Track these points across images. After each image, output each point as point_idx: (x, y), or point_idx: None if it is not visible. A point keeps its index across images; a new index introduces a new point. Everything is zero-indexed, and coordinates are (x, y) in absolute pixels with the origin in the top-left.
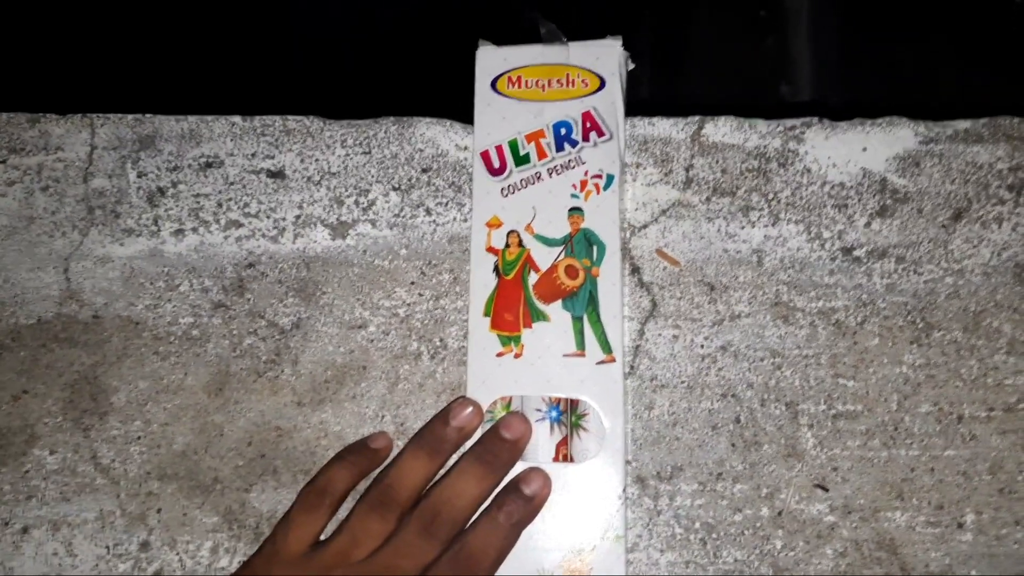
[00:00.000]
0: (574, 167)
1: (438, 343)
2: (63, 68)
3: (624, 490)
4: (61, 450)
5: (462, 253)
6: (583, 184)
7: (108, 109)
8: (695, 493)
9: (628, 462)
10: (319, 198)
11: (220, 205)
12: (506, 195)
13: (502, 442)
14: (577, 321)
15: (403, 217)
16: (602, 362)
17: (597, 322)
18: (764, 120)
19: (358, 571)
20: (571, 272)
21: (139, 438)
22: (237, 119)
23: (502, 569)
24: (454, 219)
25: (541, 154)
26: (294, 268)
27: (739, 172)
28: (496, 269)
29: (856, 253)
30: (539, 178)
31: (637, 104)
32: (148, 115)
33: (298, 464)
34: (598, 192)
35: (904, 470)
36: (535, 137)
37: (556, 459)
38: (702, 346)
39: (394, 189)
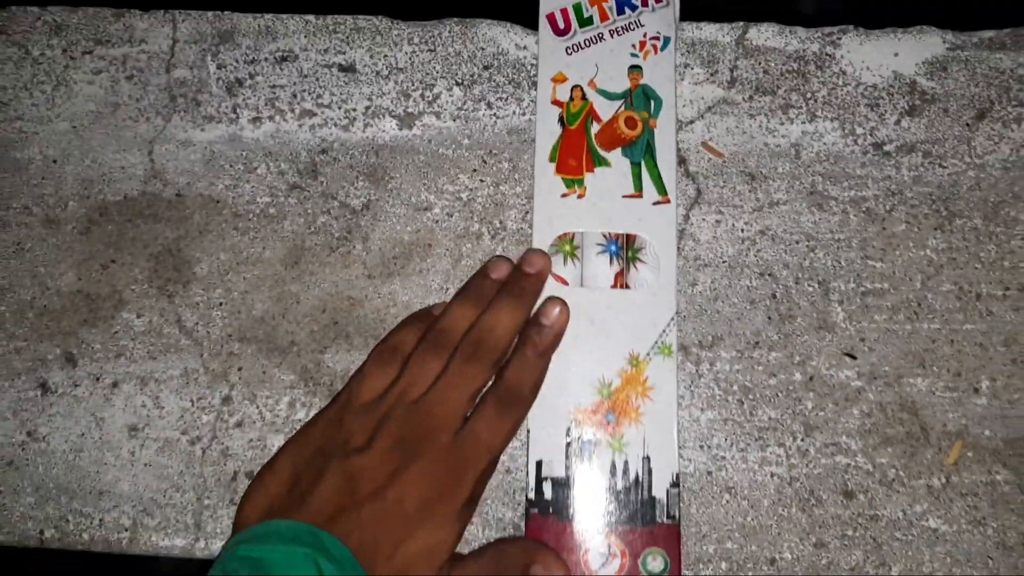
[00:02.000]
0: (634, 29)
1: (498, 224)
2: None
3: (676, 313)
4: (147, 314)
5: (521, 144)
6: (642, 44)
7: (189, 6)
8: (733, 359)
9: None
10: (387, 91)
11: (295, 96)
12: (570, 53)
13: (526, 276)
14: (635, 166)
15: (466, 110)
16: (658, 202)
17: (654, 167)
18: (804, 27)
19: (417, 406)
20: (630, 123)
21: (220, 304)
22: (311, 17)
23: (570, 377)
24: (513, 113)
25: (603, 16)
26: (364, 155)
27: (780, 73)
28: (561, 120)
29: (886, 148)
30: (601, 38)
31: (684, 9)
32: (227, 12)
33: (368, 330)
34: (656, 52)
35: (926, 341)
36: (597, 2)
37: (615, 286)
38: (742, 230)
39: (457, 84)
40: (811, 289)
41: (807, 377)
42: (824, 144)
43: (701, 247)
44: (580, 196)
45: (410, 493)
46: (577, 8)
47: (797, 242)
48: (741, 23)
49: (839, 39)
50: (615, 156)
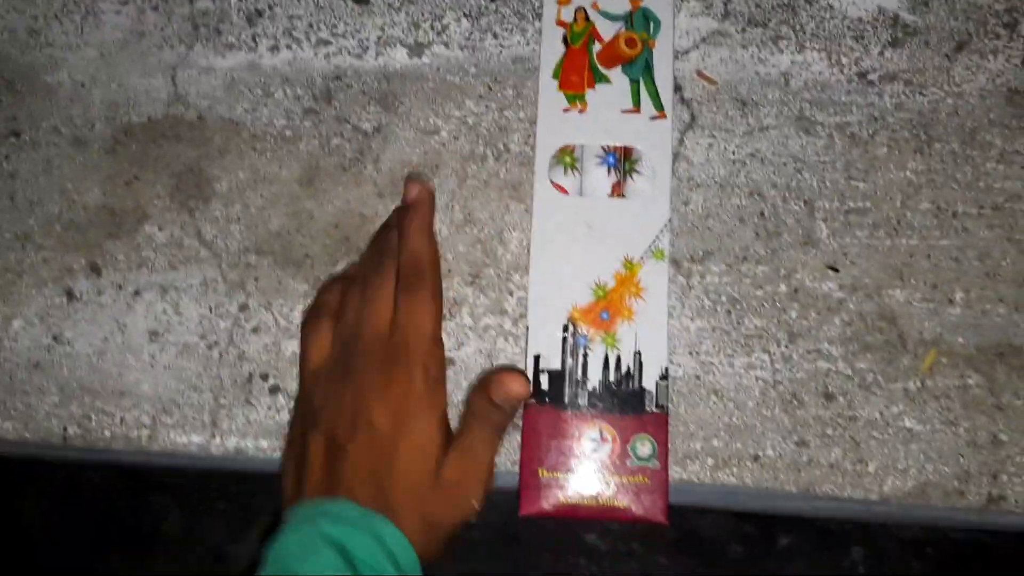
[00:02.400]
0: None
1: (502, 147)
2: None
3: (668, 222)
4: (169, 227)
5: (524, 72)
6: None
7: None
8: (722, 272)
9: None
10: (398, 22)
11: (311, 26)
12: None
13: (417, 203)
14: (634, 83)
15: (473, 40)
16: (655, 117)
17: (652, 84)
18: None
19: (353, 339)
20: (630, 43)
21: (238, 219)
22: None
23: (568, 277)
24: (518, 43)
25: None
26: (376, 81)
27: (771, 6)
28: (565, 39)
29: (870, 77)
30: None
31: None
32: None
33: None
34: None
35: (904, 256)
36: None
37: (612, 196)
38: (734, 153)
39: (465, 16)
40: (797, 208)
41: (792, 289)
42: (811, 73)
43: (694, 168)
44: (581, 111)
45: (376, 414)
46: None
47: (785, 164)
48: None
49: None
50: (615, 73)
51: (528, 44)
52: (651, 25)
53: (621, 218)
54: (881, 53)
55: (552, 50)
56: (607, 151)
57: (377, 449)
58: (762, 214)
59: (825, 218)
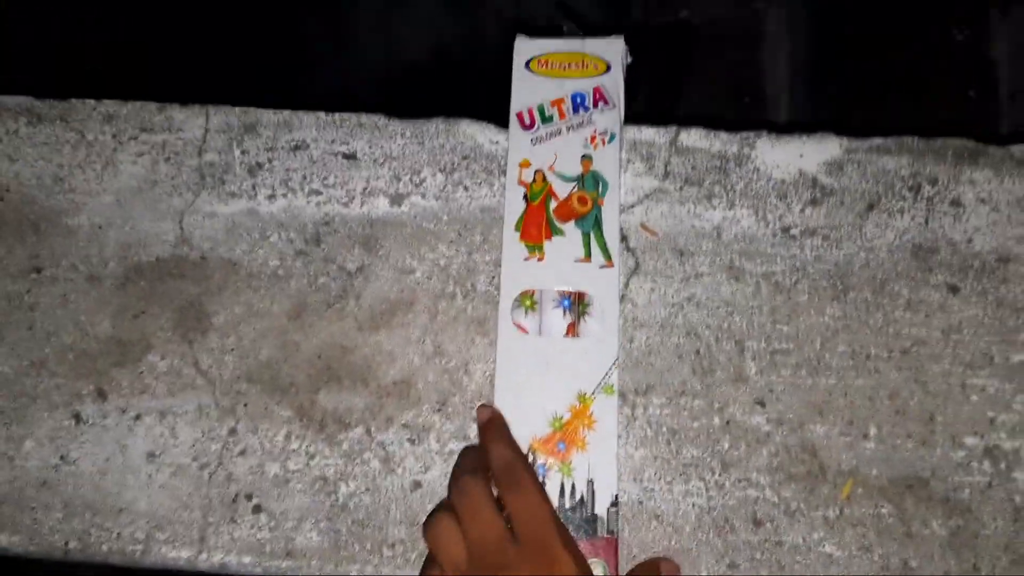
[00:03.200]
0: (586, 126)
1: (469, 286)
2: (187, 68)
3: (617, 360)
4: (170, 357)
5: (491, 220)
6: (592, 138)
7: (220, 101)
8: (663, 405)
9: (621, 345)
10: (382, 175)
11: (305, 177)
12: (534, 144)
13: (489, 422)
14: (586, 236)
15: (446, 192)
16: (603, 266)
17: (601, 237)
18: (726, 131)
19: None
20: (582, 201)
21: (232, 350)
22: (322, 114)
23: (528, 412)
24: (486, 195)
25: (561, 115)
26: (360, 227)
27: (705, 168)
28: (525, 197)
29: (792, 232)
30: (559, 133)
31: (627, 114)
32: (252, 108)
33: (357, 374)
34: (604, 144)
35: (824, 394)
36: (557, 103)
37: (567, 335)
38: (672, 296)
39: (440, 171)
40: (729, 347)
41: (724, 421)
42: (741, 227)
43: (638, 309)
44: (540, 259)
45: None
46: (540, 108)
47: (717, 308)
48: (674, 127)
49: (754, 142)
50: (569, 227)
51: (494, 196)
52: (600, 185)
53: (575, 356)
54: (802, 211)
55: (514, 206)
56: (562, 295)
57: None
58: (698, 352)
59: (754, 357)
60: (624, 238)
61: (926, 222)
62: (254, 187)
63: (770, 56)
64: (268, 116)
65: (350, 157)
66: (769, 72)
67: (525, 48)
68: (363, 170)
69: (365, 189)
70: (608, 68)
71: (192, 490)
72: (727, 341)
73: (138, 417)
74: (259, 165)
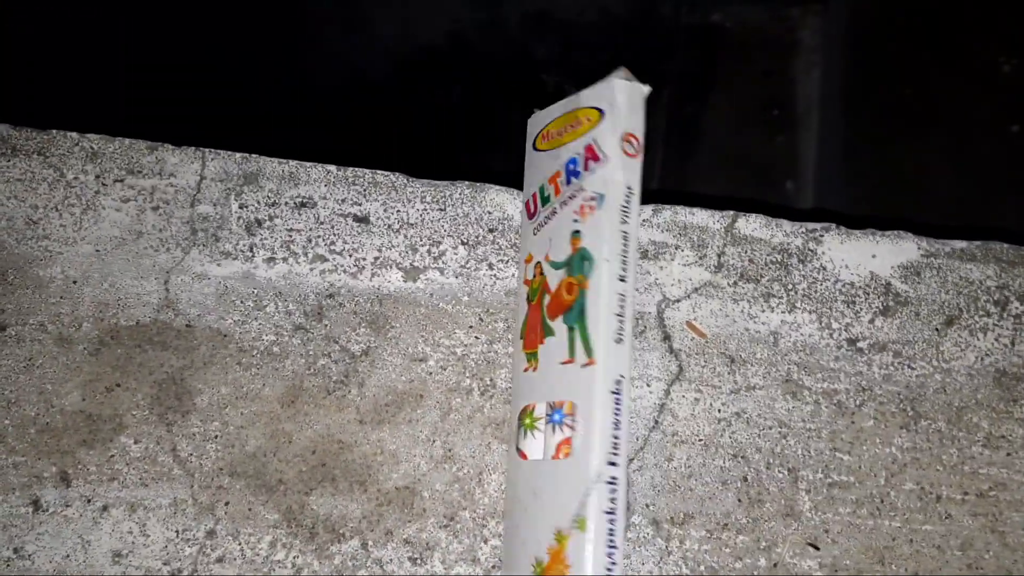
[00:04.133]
0: (576, 196)
1: (488, 382)
2: (183, 104)
3: (598, 479)
4: (144, 440)
5: (517, 305)
6: (581, 209)
7: (219, 145)
8: (703, 539)
9: (623, 483)
10: (397, 244)
11: (310, 240)
12: (536, 233)
13: None
14: (571, 331)
15: (468, 268)
16: (586, 364)
17: (584, 329)
18: (789, 221)
19: None
20: (569, 289)
21: (216, 437)
22: (332, 168)
23: (517, 555)
24: (512, 275)
25: (557, 191)
26: (368, 302)
27: (764, 263)
28: (528, 297)
29: (859, 344)
30: (555, 213)
31: (677, 194)
32: (254, 155)
33: (355, 475)
34: (592, 212)
35: (887, 538)
36: (554, 179)
37: (556, 457)
38: (719, 410)
39: (463, 243)
40: (781, 475)
41: (771, 563)
42: (801, 335)
43: (679, 423)
44: (534, 370)
45: None
46: (542, 190)
47: (770, 427)
48: (731, 212)
49: (821, 236)
50: (558, 324)
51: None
52: (586, 264)
53: (556, 483)
54: (872, 321)
55: (521, 310)
56: (553, 408)
57: None
58: (745, 479)
59: (808, 489)
60: (667, 337)
61: (1012, 344)
62: (251, 248)
63: (804, 69)
64: (272, 166)
65: (362, 220)
66: (801, 85)
67: (535, 124)
68: (376, 236)
69: (377, 259)
70: (601, 115)
71: None
72: (779, 468)
73: (105, 508)
74: (259, 222)
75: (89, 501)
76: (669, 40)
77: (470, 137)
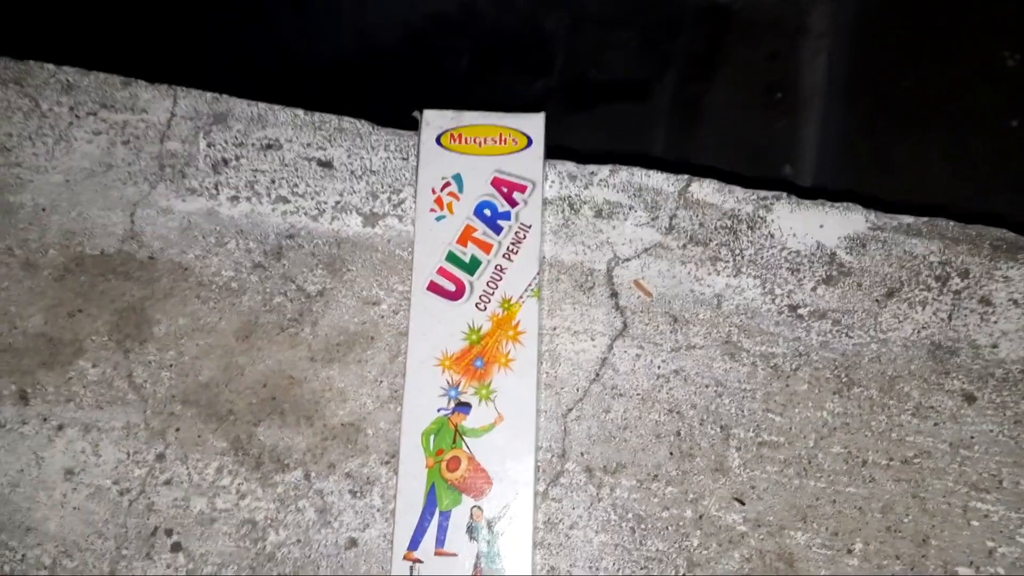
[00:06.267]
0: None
1: None
2: (159, 40)
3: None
4: (102, 365)
5: None
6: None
7: (192, 84)
8: (632, 488)
9: (572, 456)
10: (358, 190)
11: (273, 181)
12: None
13: None
14: None
15: None
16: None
17: None
18: (742, 188)
19: None
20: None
21: (171, 366)
22: (300, 112)
23: None
24: None
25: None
26: (327, 245)
27: (714, 227)
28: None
29: (800, 311)
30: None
31: (639, 157)
32: (224, 95)
33: (302, 410)
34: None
35: (811, 498)
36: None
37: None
38: (659, 367)
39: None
40: (713, 432)
41: (697, 515)
42: (744, 299)
43: (619, 377)
44: None
45: None
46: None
47: (707, 386)
48: (686, 176)
49: (772, 204)
50: None
51: None
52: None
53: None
54: (814, 289)
55: None
56: None
57: None
58: (678, 433)
59: (739, 447)
60: (615, 294)
61: (949, 318)
62: (217, 185)
63: (810, 54)
64: (241, 107)
65: (326, 165)
66: (807, 70)
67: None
68: (338, 181)
69: (338, 203)
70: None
71: (108, 517)
72: (712, 425)
73: (60, 428)
74: (225, 161)
75: (45, 420)
76: (677, 18)
77: (476, 107)
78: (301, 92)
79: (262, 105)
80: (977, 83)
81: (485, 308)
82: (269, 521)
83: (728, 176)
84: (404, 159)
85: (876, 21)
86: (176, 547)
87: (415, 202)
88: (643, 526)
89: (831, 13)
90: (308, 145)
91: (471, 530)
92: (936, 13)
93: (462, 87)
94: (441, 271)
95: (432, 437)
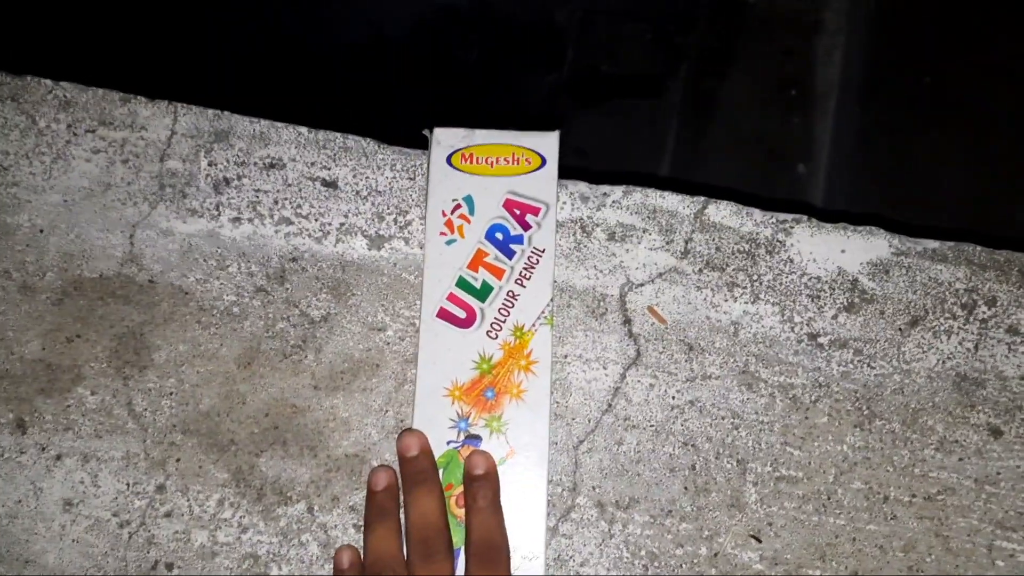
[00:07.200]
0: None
1: None
2: (160, 56)
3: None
4: (101, 392)
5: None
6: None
7: (192, 100)
8: (646, 524)
9: (580, 488)
10: (363, 211)
11: (276, 202)
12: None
13: (415, 460)
14: None
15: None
16: None
17: None
18: (760, 210)
19: None
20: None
21: (171, 394)
22: (304, 130)
23: None
24: None
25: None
26: (331, 268)
27: (731, 252)
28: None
29: (820, 340)
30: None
31: (652, 177)
32: (226, 112)
33: (306, 440)
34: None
35: (830, 535)
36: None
37: None
38: (673, 397)
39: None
40: (729, 466)
41: (712, 553)
42: (762, 327)
43: (632, 407)
44: None
45: None
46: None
47: (723, 418)
48: (703, 198)
49: (792, 228)
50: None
51: None
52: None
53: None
54: (835, 317)
55: None
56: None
57: None
58: (693, 467)
59: (756, 482)
60: (627, 321)
61: (976, 348)
62: (218, 206)
63: (826, 51)
64: (243, 125)
65: (330, 185)
66: (822, 67)
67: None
68: (343, 202)
69: (343, 225)
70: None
71: (108, 550)
72: (728, 459)
73: (59, 457)
74: (227, 181)
75: (44, 449)
76: (691, 12)
77: (487, 101)
78: (312, 84)
79: (264, 122)
80: (1002, 80)
81: (496, 336)
82: (271, 555)
83: (746, 198)
84: (411, 179)
85: (894, 17)
86: None
87: (424, 225)
88: (656, 564)
89: (848, 9)
90: (312, 164)
91: None
92: (957, 8)
93: (472, 81)
94: (451, 297)
95: (441, 472)
